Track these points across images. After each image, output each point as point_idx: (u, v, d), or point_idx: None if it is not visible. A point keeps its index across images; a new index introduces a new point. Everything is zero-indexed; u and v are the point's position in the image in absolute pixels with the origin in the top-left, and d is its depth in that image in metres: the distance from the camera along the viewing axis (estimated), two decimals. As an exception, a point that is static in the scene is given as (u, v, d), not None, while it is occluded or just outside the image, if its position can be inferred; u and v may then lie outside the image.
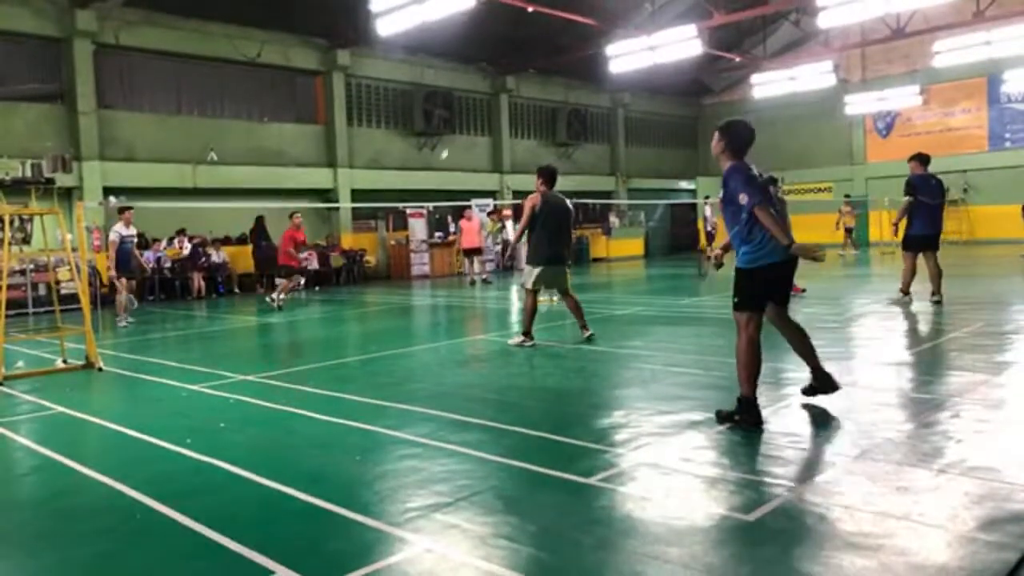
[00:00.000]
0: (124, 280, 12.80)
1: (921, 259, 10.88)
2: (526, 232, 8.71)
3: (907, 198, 10.79)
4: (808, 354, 5.38)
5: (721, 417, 5.04)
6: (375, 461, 4.61)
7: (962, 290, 13.02)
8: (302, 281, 16.73)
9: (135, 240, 12.98)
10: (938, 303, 10.50)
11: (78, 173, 16.71)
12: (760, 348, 4.97)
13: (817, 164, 29.42)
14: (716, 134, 5.22)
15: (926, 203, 10.74)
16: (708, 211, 24.92)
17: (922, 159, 11.04)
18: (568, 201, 8.78)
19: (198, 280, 17.85)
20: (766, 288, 5.03)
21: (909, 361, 7.16)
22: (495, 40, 22.94)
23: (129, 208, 12.84)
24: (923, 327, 9.29)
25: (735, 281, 5.07)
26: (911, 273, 10.93)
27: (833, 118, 28.68)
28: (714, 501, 3.71)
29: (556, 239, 8.52)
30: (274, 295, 14.39)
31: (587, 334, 8.69)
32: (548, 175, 8.65)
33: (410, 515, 3.66)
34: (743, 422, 4.89)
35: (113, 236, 12.50)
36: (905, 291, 10.97)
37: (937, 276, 10.70)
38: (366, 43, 20.71)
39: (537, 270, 8.55)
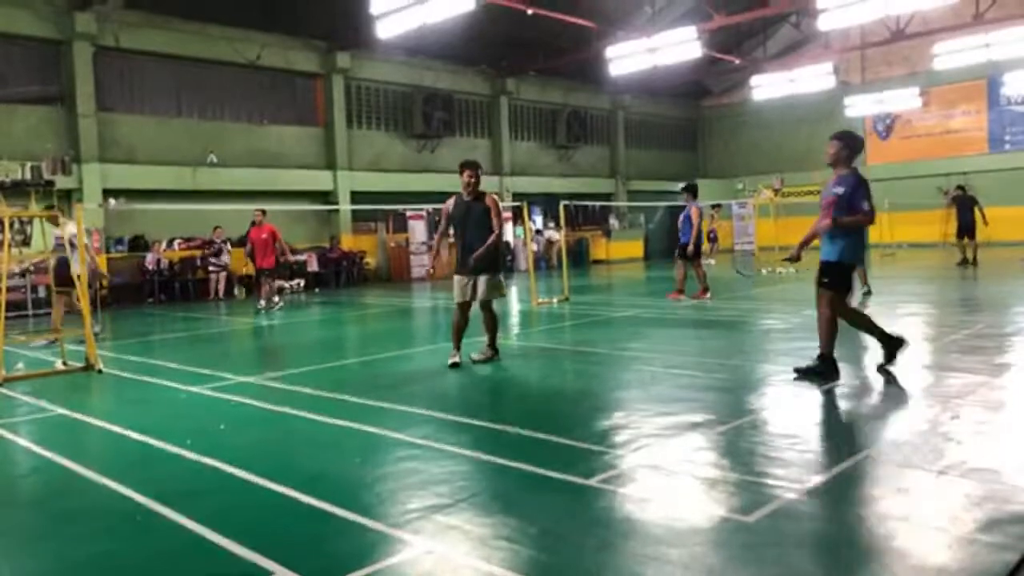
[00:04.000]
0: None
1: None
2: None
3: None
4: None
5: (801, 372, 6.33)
6: (375, 462, 4.61)
7: (961, 292, 13.02)
8: (287, 284, 16.90)
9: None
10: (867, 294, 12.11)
11: (78, 175, 16.71)
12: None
13: (817, 166, 29.31)
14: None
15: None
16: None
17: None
18: (486, 197, 7.57)
19: (217, 281, 18.02)
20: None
21: (908, 362, 7.14)
22: (495, 42, 22.96)
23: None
24: (922, 329, 9.29)
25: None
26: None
27: (833, 120, 28.58)
28: (714, 502, 3.71)
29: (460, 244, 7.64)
30: (263, 302, 14.09)
31: (486, 355, 7.70)
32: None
33: (410, 516, 3.65)
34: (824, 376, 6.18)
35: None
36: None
37: (862, 273, 12.18)
38: (366, 45, 20.72)
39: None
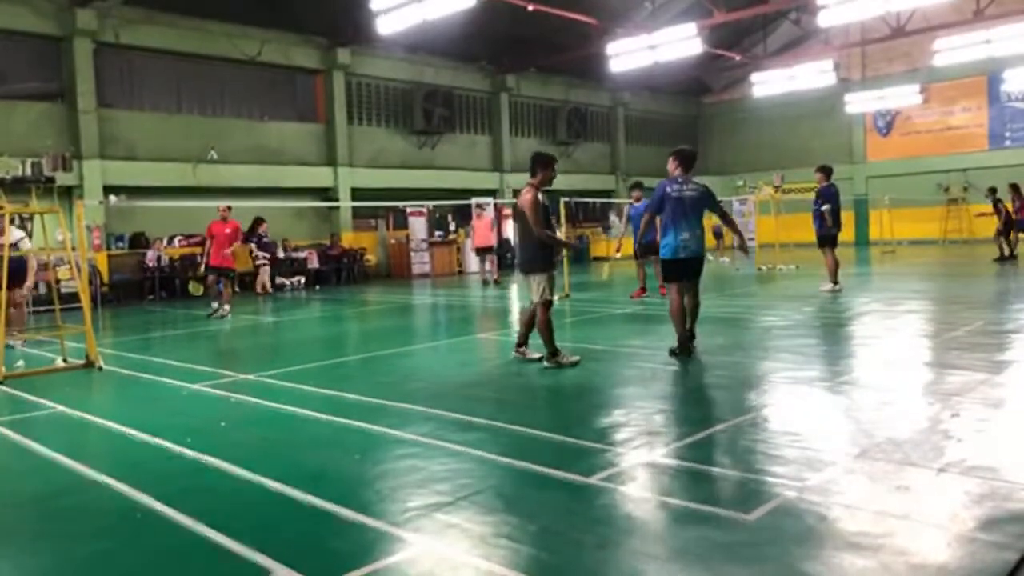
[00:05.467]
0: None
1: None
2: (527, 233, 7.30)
3: (826, 207, 12.57)
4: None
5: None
6: (375, 460, 4.61)
7: (962, 289, 13.02)
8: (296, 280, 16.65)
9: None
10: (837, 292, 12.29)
11: (78, 172, 16.68)
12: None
13: (817, 163, 29.33)
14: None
15: (833, 208, 12.73)
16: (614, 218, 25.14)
17: (826, 171, 12.92)
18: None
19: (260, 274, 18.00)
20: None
21: (909, 360, 7.14)
22: (495, 39, 22.93)
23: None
24: (922, 326, 9.29)
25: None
26: (835, 264, 12.57)
27: (833, 117, 28.66)
28: (714, 500, 3.71)
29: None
30: (215, 305, 13.21)
31: (527, 355, 7.59)
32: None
33: (410, 514, 3.66)
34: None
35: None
36: (835, 280, 12.43)
37: (835, 268, 12.52)
38: (366, 41, 20.70)
39: (545, 276, 7.26)
